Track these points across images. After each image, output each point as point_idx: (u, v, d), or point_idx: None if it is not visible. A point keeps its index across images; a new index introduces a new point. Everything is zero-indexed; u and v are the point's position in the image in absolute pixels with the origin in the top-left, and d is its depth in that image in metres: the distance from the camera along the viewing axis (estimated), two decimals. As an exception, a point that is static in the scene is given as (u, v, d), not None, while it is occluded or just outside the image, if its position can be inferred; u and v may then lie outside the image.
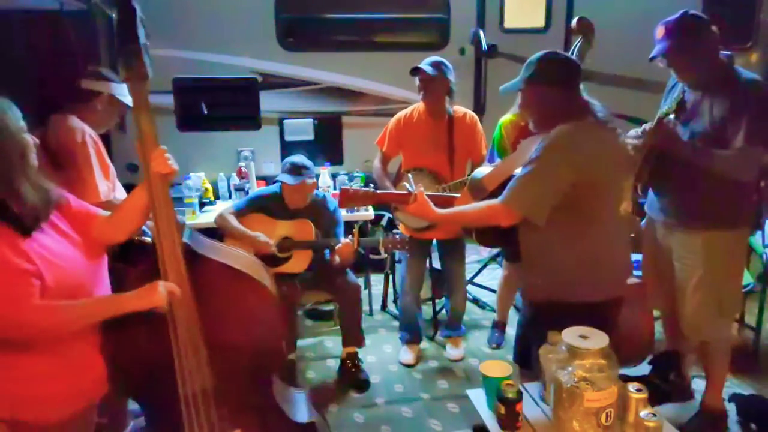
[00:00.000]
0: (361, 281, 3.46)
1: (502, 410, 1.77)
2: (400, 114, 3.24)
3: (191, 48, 4.15)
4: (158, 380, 1.68)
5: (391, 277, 4.07)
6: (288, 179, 3.09)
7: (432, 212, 2.11)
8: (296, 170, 3.09)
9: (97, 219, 1.73)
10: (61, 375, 1.60)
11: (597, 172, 1.88)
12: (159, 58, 3.91)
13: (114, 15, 1.61)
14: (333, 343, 3.60)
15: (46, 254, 1.53)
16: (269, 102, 4.32)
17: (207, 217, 3.66)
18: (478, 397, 1.99)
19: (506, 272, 3.51)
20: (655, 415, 1.65)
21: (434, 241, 3.46)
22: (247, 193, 3.90)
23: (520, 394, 1.78)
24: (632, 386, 1.75)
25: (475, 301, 4.16)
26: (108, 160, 2.49)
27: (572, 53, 2.66)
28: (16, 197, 1.50)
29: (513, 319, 3.52)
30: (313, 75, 4.32)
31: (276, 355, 1.86)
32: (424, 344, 3.58)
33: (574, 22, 2.66)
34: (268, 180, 3.98)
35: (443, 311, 3.69)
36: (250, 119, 4.32)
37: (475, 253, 4.67)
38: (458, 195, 2.32)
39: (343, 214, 3.42)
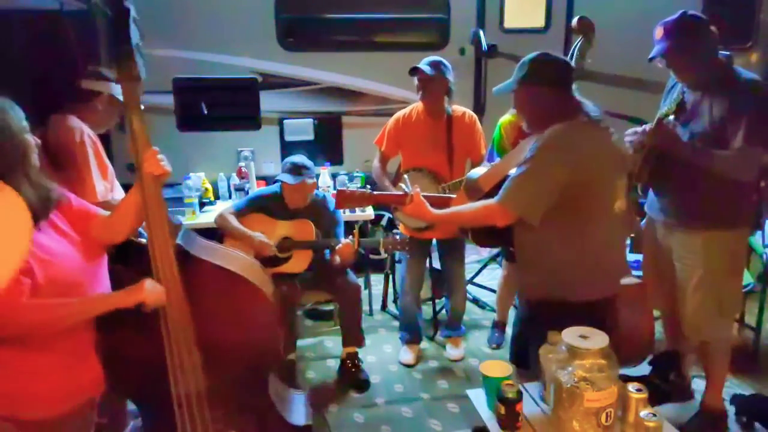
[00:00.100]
0: (361, 281, 3.46)
1: (502, 410, 1.77)
2: (399, 114, 3.24)
3: (191, 48, 4.15)
4: (153, 381, 1.68)
5: (391, 277, 4.07)
6: (288, 179, 3.09)
7: (428, 213, 2.11)
8: (296, 170, 3.09)
9: (96, 219, 1.73)
10: (56, 372, 1.60)
11: (591, 171, 1.89)
12: (159, 58, 4.01)
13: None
14: (333, 343, 3.60)
15: (40, 253, 1.53)
16: (269, 102, 4.31)
17: (207, 217, 3.66)
18: (478, 397, 1.99)
19: (506, 272, 3.51)
20: (655, 415, 1.65)
21: (434, 241, 3.46)
22: (247, 193, 3.89)
23: (520, 394, 1.78)
24: (632, 386, 1.75)
25: (475, 301, 4.16)
26: (106, 161, 2.49)
27: (573, 53, 2.67)
28: None
29: (513, 319, 3.52)
30: (313, 75, 4.32)
31: (271, 357, 1.85)
32: (424, 344, 3.58)
33: (574, 21, 2.66)
34: (268, 180, 3.98)
35: (443, 311, 3.69)
36: (250, 119, 4.32)
37: (475, 253, 4.67)
38: (454, 196, 2.32)
39: (343, 214, 3.42)
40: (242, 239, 3.08)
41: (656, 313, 2.85)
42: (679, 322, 2.63)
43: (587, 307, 1.94)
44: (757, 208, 2.53)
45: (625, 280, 2.62)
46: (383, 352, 3.55)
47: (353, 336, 3.28)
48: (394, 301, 4.05)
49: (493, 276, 4.24)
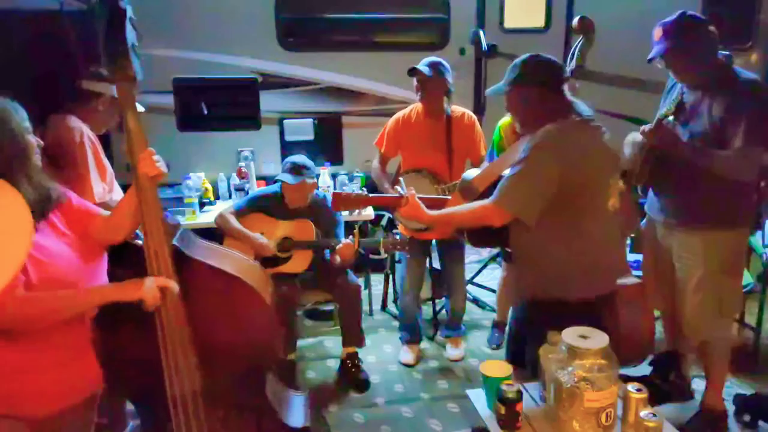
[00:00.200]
0: (361, 281, 3.46)
1: (502, 410, 1.77)
2: (399, 114, 3.24)
3: (191, 48, 4.15)
4: (151, 381, 1.67)
5: (391, 277, 4.07)
6: (288, 179, 3.09)
7: (424, 214, 2.14)
8: (297, 170, 3.09)
9: (96, 218, 1.73)
10: (52, 369, 1.60)
11: (583, 169, 1.91)
12: (159, 58, 4.01)
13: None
14: (333, 343, 3.60)
15: (35, 252, 1.53)
16: (269, 102, 4.31)
17: (207, 217, 3.66)
18: (478, 397, 1.99)
19: (506, 272, 3.51)
20: (655, 415, 1.65)
21: (434, 241, 3.46)
22: (247, 193, 3.90)
23: (520, 394, 1.78)
24: (632, 386, 1.75)
25: (475, 301, 4.16)
26: (105, 162, 2.49)
27: (573, 53, 2.67)
28: None
29: (509, 318, 3.52)
30: (313, 75, 4.32)
31: (268, 358, 1.85)
32: (424, 344, 3.58)
33: (575, 21, 2.67)
34: (268, 180, 3.98)
35: (443, 311, 3.69)
36: (250, 119, 4.32)
37: (475, 253, 4.67)
38: (449, 197, 2.33)
39: (344, 215, 3.42)
40: (242, 239, 3.09)
41: (656, 313, 2.85)
42: (679, 322, 2.63)
43: (584, 306, 1.96)
44: (757, 208, 2.53)
45: (625, 280, 2.62)
46: (383, 352, 3.55)
47: (353, 336, 3.28)
48: (394, 301, 4.05)
49: (493, 276, 4.25)
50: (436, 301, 3.84)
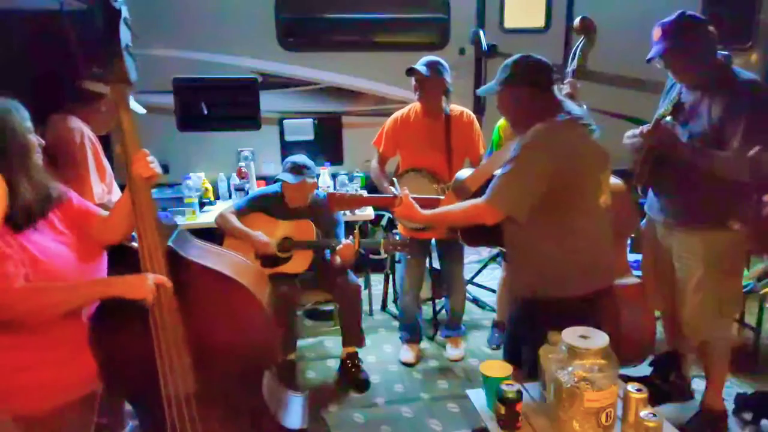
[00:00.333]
0: (361, 281, 3.46)
1: (502, 410, 1.77)
2: (397, 114, 3.24)
3: (191, 48, 4.15)
4: (147, 381, 1.67)
5: (391, 277, 4.07)
6: (289, 178, 3.09)
7: (418, 214, 2.17)
8: (297, 169, 3.09)
9: (95, 219, 1.74)
10: (47, 366, 1.61)
11: (573, 166, 1.94)
12: (159, 58, 4.01)
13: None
14: (333, 343, 3.60)
15: (31, 250, 1.54)
16: (269, 102, 4.31)
17: (207, 217, 3.66)
18: (478, 397, 1.99)
19: (506, 272, 3.51)
20: (655, 415, 1.65)
21: (433, 241, 3.46)
22: (247, 193, 3.90)
23: (520, 394, 1.78)
24: (632, 386, 1.75)
25: (475, 301, 4.16)
26: (105, 163, 2.49)
27: (574, 52, 2.67)
28: (11, 195, 1.52)
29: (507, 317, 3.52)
30: (313, 75, 4.32)
31: (263, 359, 1.84)
32: (424, 344, 3.58)
33: (576, 21, 2.67)
34: (268, 180, 3.98)
35: (443, 311, 3.69)
36: (250, 119, 4.32)
37: (475, 253, 4.67)
38: (443, 197, 2.35)
39: (344, 215, 3.42)
40: (243, 238, 3.09)
41: (657, 313, 2.85)
42: (679, 322, 2.63)
43: (578, 303, 1.98)
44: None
45: (626, 280, 2.63)
46: (383, 352, 3.55)
47: (353, 336, 3.28)
48: (394, 301, 4.05)
49: (493, 276, 4.25)
50: (436, 301, 3.84)
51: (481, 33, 4.32)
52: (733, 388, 2.92)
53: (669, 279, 2.60)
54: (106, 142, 2.57)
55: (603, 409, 1.67)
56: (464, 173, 2.37)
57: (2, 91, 1.59)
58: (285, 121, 4.33)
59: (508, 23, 4.47)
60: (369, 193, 3.69)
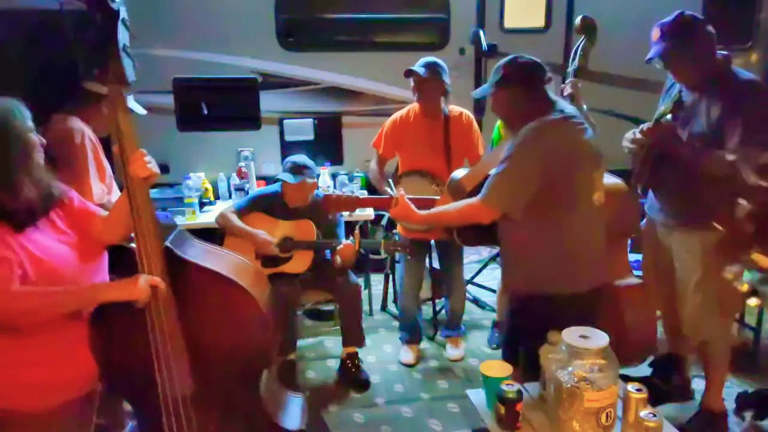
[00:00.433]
0: (361, 281, 3.46)
1: (502, 410, 1.77)
2: (396, 115, 3.24)
3: (191, 48, 4.15)
4: (145, 381, 1.67)
5: (391, 277, 4.07)
6: (289, 178, 3.09)
7: (414, 214, 2.19)
8: (297, 169, 3.09)
9: (96, 219, 1.74)
10: (46, 364, 1.61)
11: (566, 164, 1.96)
12: (159, 58, 4.01)
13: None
14: (333, 343, 3.60)
15: (34, 250, 1.55)
16: (269, 102, 4.31)
17: (207, 217, 3.66)
18: (478, 397, 1.99)
19: (505, 272, 3.51)
20: (655, 415, 1.65)
21: (432, 242, 3.46)
22: (247, 193, 3.90)
23: (520, 394, 1.78)
24: (632, 386, 1.75)
25: (475, 301, 4.16)
26: (105, 163, 2.49)
27: (575, 52, 2.67)
28: (12, 194, 1.53)
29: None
30: (313, 75, 4.32)
31: (261, 360, 1.83)
32: (424, 344, 3.58)
33: (577, 21, 2.67)
34: (268, 180, 3.98)
35: (443, 311, 3.68)
36: (250, 119, 4.32)
37: (475, 253, 4.67)
38: (438, 197, 2.36)
39: (344, 215, 3.41)
40: (244, 237, 3.09)
41: (657, 313, 2.85)
42: (679, 322, 2.63)
43: (573, 300, 1.99)
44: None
45: (626, 281, 2.63)
46: (383, 352, 3.55)
47: (353, 336, 3.28)
48: (394, 301, 4.05)
49: (493, 276, 4.24)
50: (436, 301, 3.83)
51: (481, 33, 4.32)
52: (733, 388, 2.92)
53: (669, 279, 2.60)
54: (106, 142, 2.56)
55: (603, 409, 1.67)
56: (459, 173, 2.38)
57: (4, 90, 1.59)
58: (285, 121, 4.33)
59: (508, 23, 4.47)
60: (369, 193, 3.70)
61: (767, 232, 1.43)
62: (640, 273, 2.80)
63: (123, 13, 1.57)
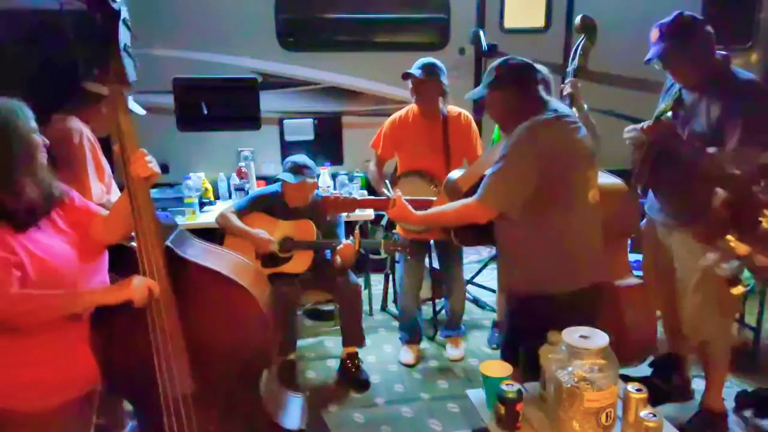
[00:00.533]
0: (361, 281, 3.46)
1: (502, 410, 1.77)
2: (395, 115, 3.24)
3: (191, 48, 4.15)
4: (146, 380, 1.68)
5: (391, 277, 4.07)
6: (289, 178, 3.09)
7: (412, 215, 2.21)
8: (297, 169, 3.10)
9: (96, 218, 1.74)
10: (46, 364, 1.61)
11: (560, 162, 1.97)
12: (159, 58, 4.01)
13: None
14: (333, 343, 3.60)
15: (35, 249, 1.55)
16: (269, 102, 4.31)
17: (207, 217, 3.66)
18: (478, 397, 1.99)
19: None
20: (655, 415, 1.65)
21: (432, 242, 3.46)
22: (247, 193, 3.90)
23: (520, 394, 1.78)
24: (632, 386, 1.75)
25: (475, 301, 4.16)
26: (105, 163, 2.49)
27: (575, 52, 2.67)
28: (14, 194, 1.53)
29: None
30: (313, 75, 4.32)
31: (261, 360, 1.84)
32: (424, 344, 3.58)
33: (577, 20, 2.67)
34: (268, 180, 3.98)
35: (443, 311, 3.68)
36: (250, 119, 4.32)
37: (475, 253, 4.67)
38: (435, 198, 2.37)
39: (343, 214, 3.41)
40: (244, 236, 3.09)
41: (657, 313, 2.85)
42: (679, 322, 2.63)
43: (569, 299, 2.00)
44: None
45: (626, 281, 2.63)
46: (383, 352, 3.55)
47: (353, 336, 3.28)
48: (394, 301, 4.04)
49: (493, 276, 4.23)
50: (436, 301, 3.83)
51: (481, 33, 4.31)
52: (733, 388, 2.92)
53: (669, 279, 2.60)
54: (105, 141, 2.56)
55: (603, 409, 1.67)
56: (456, 174, 2.40)
57: (3, 90, 1.60)
58: (285, 121, 4.33)
59: (508, 23, 4.47)
60: (369, 194, 3.70)
61: (742, 219, 1.44)
62: (640, 273, 2.80)
63: (124, 13, 1.57)
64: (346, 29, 4.56)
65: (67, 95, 2.48)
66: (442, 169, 3.09)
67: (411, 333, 3.47)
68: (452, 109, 3.17)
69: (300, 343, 3.45)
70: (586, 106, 2.64)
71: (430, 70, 3.00)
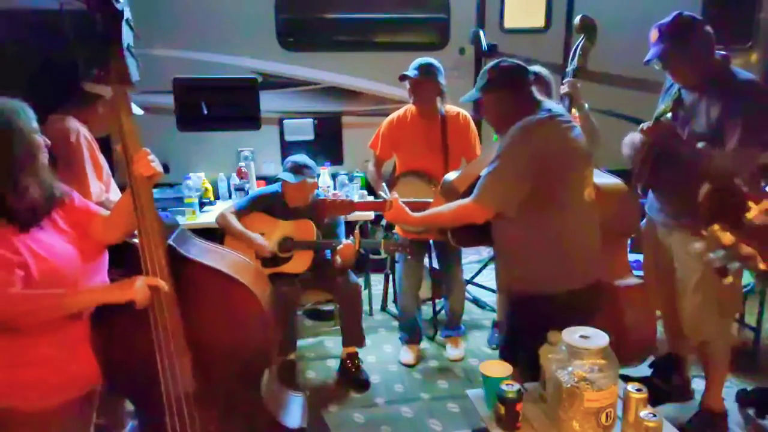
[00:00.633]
0: (361, 281, 3.46)
1: (502, 410, 1.77)
2: (393, 115, 3.24)
3: (191, 48, 4.15)
4: (148, 380, 1.68)
5: (391, 277, 4.07)
6: (289, 178, 3.09)
7: (409, 217, 2.22)
8: (298, 169, 3.10)
9: (96, 218, 1.74)
10: (48, 363, 1.61)
11: (555, 161, 1.98)
12: (159, 58, 4.01)
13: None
14: (333, 343, 3.60)
15: (38, 249, 1.55)
16: (269, 102, 4.31)
17: (207, 217, 3.66)
18: (478, 397, 1.99)
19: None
20: (655, 415, 1.66)
21: (431, 242, 3.46)
22: (247, 193, 3.90)
23: (520, 394, 1.78)
24: (632, 386, 1.75)
25: (475, 301, 4.16)
26: (103, 161, 2.50)
27: (574, 52, 2.67)
28: (17, 194, 1.53)
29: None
30: (313, 75, 4.32)
31: (262, 359, 1.84)
32: (424, 344, 3.58)
33: (576, 20, 2.67)
34: (268, 180, 3.98)
35: (443, 311, 3.68)
36: (250, 119, 4.32)
37: (475, 253, 4.67)
38: (432, 200, 2.38)
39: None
40: (242, 240, 3.09)
41: (657, 313, 2.85)
42: (679, 322, 2.63)
43: (571, 298, 2.00)
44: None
45: (627, 281, 2.63)
46: (383, 352, 3.55)
47: (353, 336, 3.28)
48: (394, 301, 4.04)
49: (493, 276, 4.23)
50: (436, 301, 3.83)
51: (481, 33, 4.31)
52: (733, 388, 2.92)
53: (669, 279, 2.60)
54: (103, 141, 2.56)
55: (603, 409, 1.68)
56: (452, 175, 2.41)
57: (3, 91, 1.60)
58: (285, 121, 4.33)
59: (508, 23, 4.47)
60: (369, 193, 3.70)
61: (726, 209, 1.45)
62: (640, 273, 2.81)
63: (127, 13, 1.57)
64: (345, 29, 4.56)
65: (67, 95, 2.48)
66: (441, 169, 3.08)
67: (411, 333, 3.47)
68: (450, 108, 3.16)
69: (300, 343, 3.45)
70: (587, 106, 2.64)
71: (426, 70, 3.00)
